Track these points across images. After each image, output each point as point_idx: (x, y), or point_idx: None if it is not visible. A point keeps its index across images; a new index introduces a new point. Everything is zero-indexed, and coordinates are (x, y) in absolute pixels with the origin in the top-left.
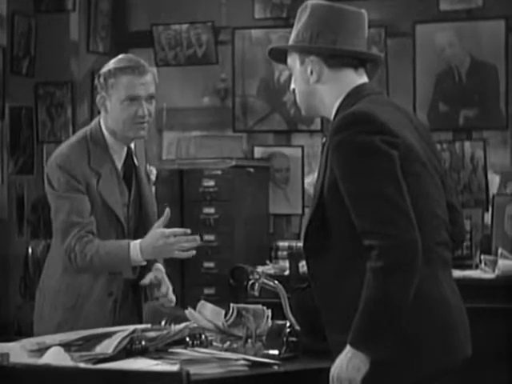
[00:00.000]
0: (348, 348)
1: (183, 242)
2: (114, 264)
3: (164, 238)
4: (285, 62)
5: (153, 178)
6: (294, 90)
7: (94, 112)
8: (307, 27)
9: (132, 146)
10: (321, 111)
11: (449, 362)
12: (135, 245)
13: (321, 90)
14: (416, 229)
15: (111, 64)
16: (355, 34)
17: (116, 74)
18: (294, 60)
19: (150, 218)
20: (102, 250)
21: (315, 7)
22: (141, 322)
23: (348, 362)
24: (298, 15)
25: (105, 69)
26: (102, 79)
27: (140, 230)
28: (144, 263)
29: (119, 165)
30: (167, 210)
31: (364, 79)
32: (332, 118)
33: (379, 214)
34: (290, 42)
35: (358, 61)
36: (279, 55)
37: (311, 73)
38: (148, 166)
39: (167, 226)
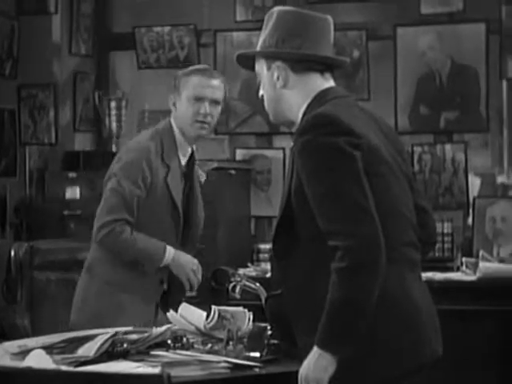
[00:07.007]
0: (315, 349)
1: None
2: (148, 251)
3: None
4: (253, 68)
5: (202, 180)
6: (262, 96)
7: (76, 114)
8: (273, 33)
9: (194, 147)
10: (288, 116)
11: (416, 362)
12: (171, 249)
13: (287, 94)
14: (379, 228)
15: (189, 68)
16: (321, 39)
17: (188, 74)
18: (261, 66)
19: (197, 215)
20: (141, 239)
21: (281, 14)
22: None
23: (315, 363)
24: (264, 22)
25: (181, 71)
26: (176, 80)
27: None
28: (162, 264)
29: (183, 162)
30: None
31: (330, 83)
32: (298, 122)
33: (342, 214)
34: (257, 48)
35: (323, 65)
36: (247, 61)
37: (278, 78)
38: (198, 170)
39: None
